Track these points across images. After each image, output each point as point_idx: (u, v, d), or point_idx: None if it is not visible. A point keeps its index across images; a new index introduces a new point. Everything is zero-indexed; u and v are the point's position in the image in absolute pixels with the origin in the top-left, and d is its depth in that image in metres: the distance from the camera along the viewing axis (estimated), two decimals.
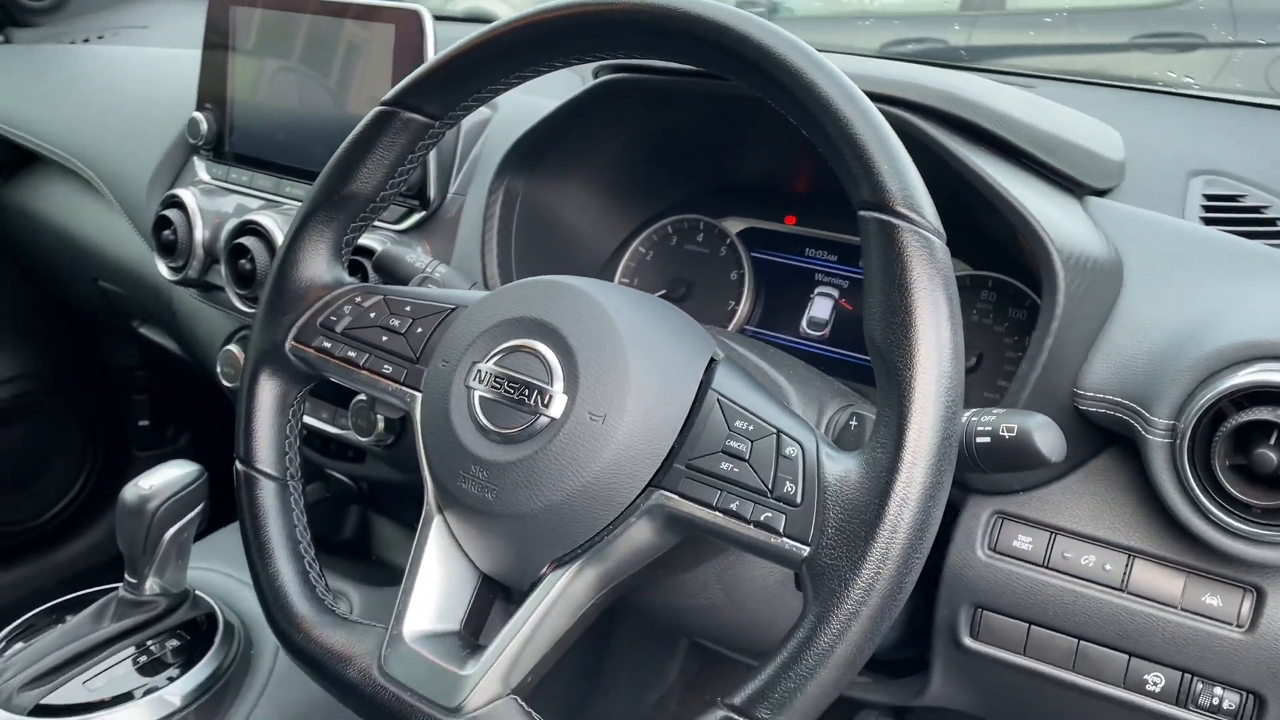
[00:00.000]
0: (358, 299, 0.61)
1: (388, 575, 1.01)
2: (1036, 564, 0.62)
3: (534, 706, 0.51)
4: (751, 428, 0.49)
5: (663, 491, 0.50)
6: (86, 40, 1.29)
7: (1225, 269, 0.61)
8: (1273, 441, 0.52)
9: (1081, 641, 0.61)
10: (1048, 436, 0.50)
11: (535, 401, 0.51)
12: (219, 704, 0.80)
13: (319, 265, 0.62)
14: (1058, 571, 0.62)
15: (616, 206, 0.84)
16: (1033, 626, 0.63)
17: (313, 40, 0.86)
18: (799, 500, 0.46)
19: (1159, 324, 0.58)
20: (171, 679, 0.78)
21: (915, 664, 0.71)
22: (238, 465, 0.61)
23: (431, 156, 0.80)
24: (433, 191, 0.80)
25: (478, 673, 0.51)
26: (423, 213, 0.81)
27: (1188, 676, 0.59)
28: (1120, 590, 0.60)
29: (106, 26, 1.32)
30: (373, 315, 0.60)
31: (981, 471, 0.50)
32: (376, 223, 0.83)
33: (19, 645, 0.79)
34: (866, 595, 0.44)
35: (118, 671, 0.78)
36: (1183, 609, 0.58)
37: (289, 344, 0.61)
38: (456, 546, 0.56)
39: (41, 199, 1.20)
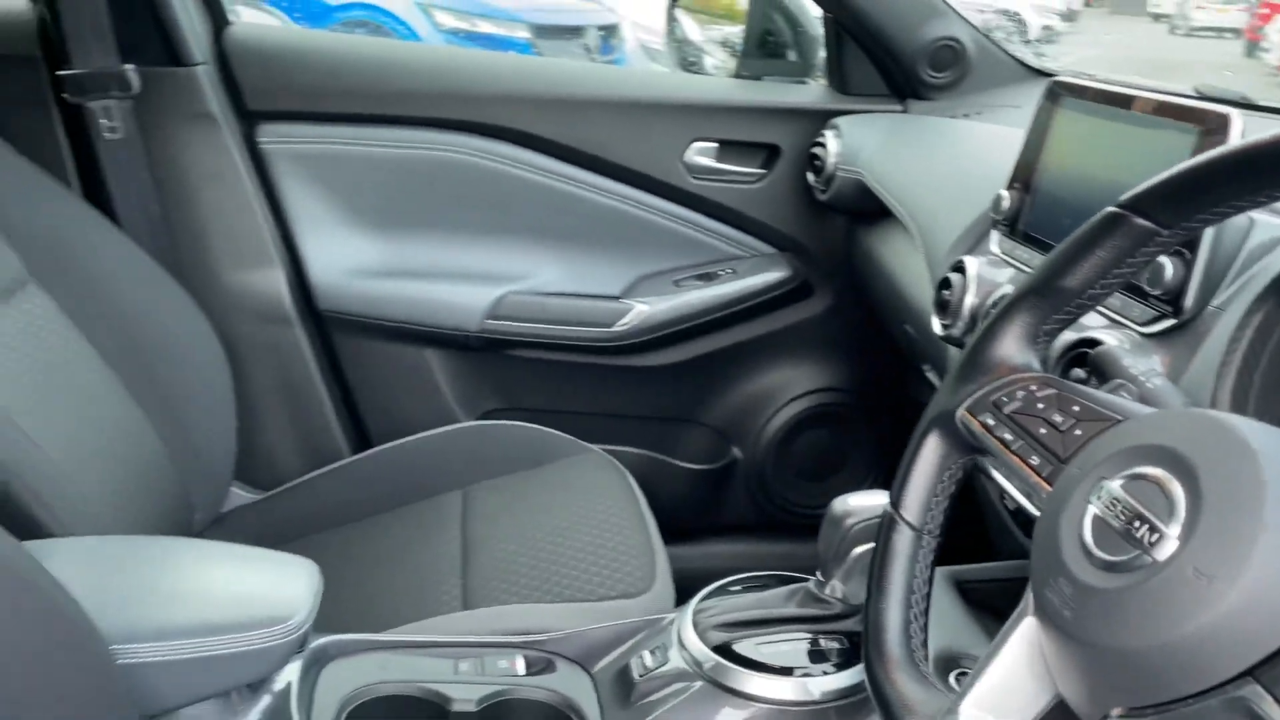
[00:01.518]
0: (1033, 387, 0.62)
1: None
2: None
3: None
4: None
5: (1257, 688, 0.42)
6: (966, 115, 1.45)
7: None
8: None
9: None
10: None
11: (1144, 537, 0.47)
12: (851, 714, 0.88)
13: (1012, 346, 0.65)
14: None
15: None
16: None
17: (1117, 135, 0.86)
18: None
19: None
20: (825, 673, 0.89)
21: None
22: (886, 506, 0.67)
23: (1199, 263, 0.74)
24: (1189, 300, 0.75)
25: None
26: (1173, 320, 0.76)
27: None
28: None
29: (987, 104, 1.46)
30: (1040, 406, 0.61)
31: None
32: (1124, 320, 0.80)
33: (720, 597, 0.97)
34: None
35: (785, 647, 0.91)
36: None
37: (960, 412, 0.65)
38: (1040, 654, 0.54)
39: (883, 244, 1.40)
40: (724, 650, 0.90)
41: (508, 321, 1.54)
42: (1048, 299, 0.63)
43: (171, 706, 0.78)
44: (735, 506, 1.72)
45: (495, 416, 1.60)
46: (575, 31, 6.38)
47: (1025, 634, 0.55)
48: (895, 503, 0.67)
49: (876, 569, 0.66)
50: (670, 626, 0.95)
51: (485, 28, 5.97)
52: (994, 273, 0.97)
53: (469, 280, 1.55)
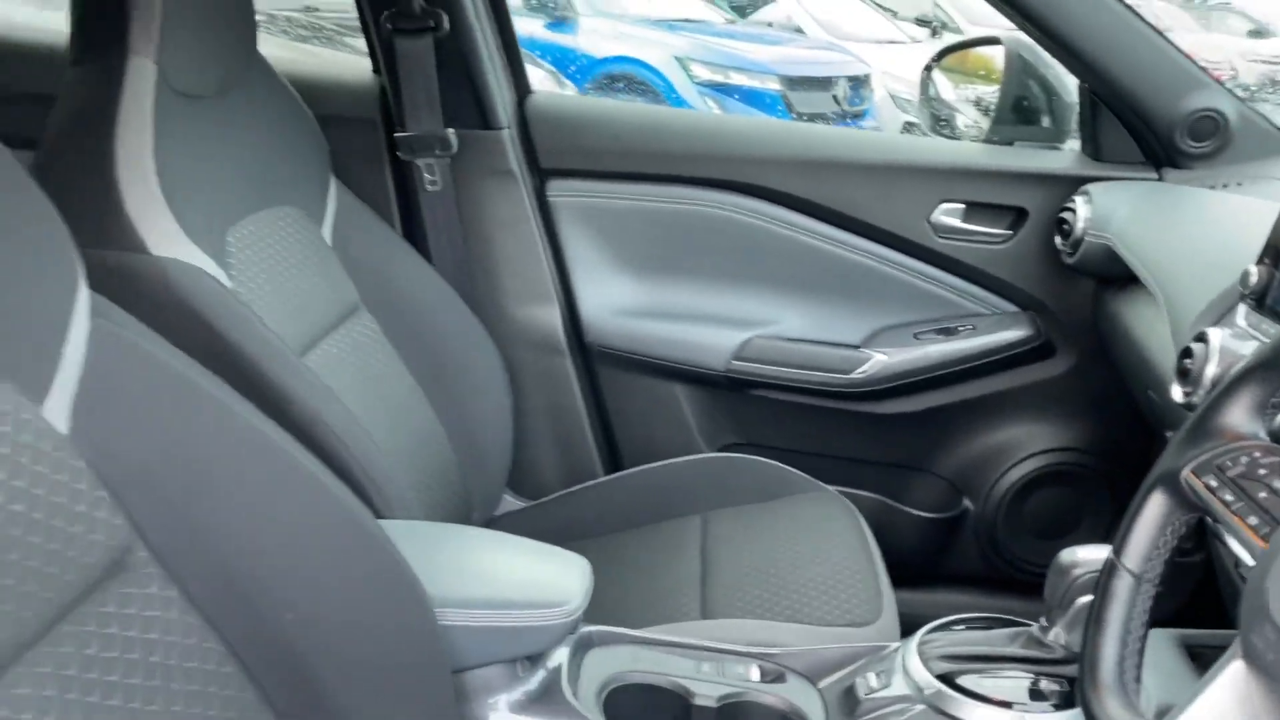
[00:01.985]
0: (1257, 454, 0.67)
1: None
2: None
3: None
4: None
5: None
6: (1224, 186, 1.45)
7: None
8: None
9: None
10: None
11: None
12: None
13: (1240, 414, 0.70)
14: None
15: None
16: None
17: None
18: None
19: None
20: (1044, 712, 0.94)
21: None
22: (1109, 554, 0.74)
23: None
24: None
25: None
26: None
27: None
28: None
29: (1248, 176, 1.45)
30: (1262, 472, 0.66)
31: None
32: None
33: (945, 632, 1.04)
34: None
35: (1006, 683, 0.97)
36: None
37: (1185, 473, 0.71)
38: (1246, 695, 0.60)
39: (1129, 310, 1.42)
40: (946, 679, 0.97)
41: (752, 363, 1.67)
42: (1276, 371, 0.69)
43: (471, 665, 0.95)
44: (963, 557, 1.76)
45: (735, 450, 1.73)
46: (825, 83, 6.50)
47: (1233, 675, 0.60)
48: (1118, 551, 0.73)
49: (1096, 608, 0.73)
50: (896, 654, 1.04)
51: (738, 80, 6.20)
52: (1238, 345, 0.99)
53: (719, 324, 1.68)
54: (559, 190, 1.68)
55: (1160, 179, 1.54)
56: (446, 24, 1.52)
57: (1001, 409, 1.71)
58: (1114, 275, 1.46)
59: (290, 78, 1.42)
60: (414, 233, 1.62)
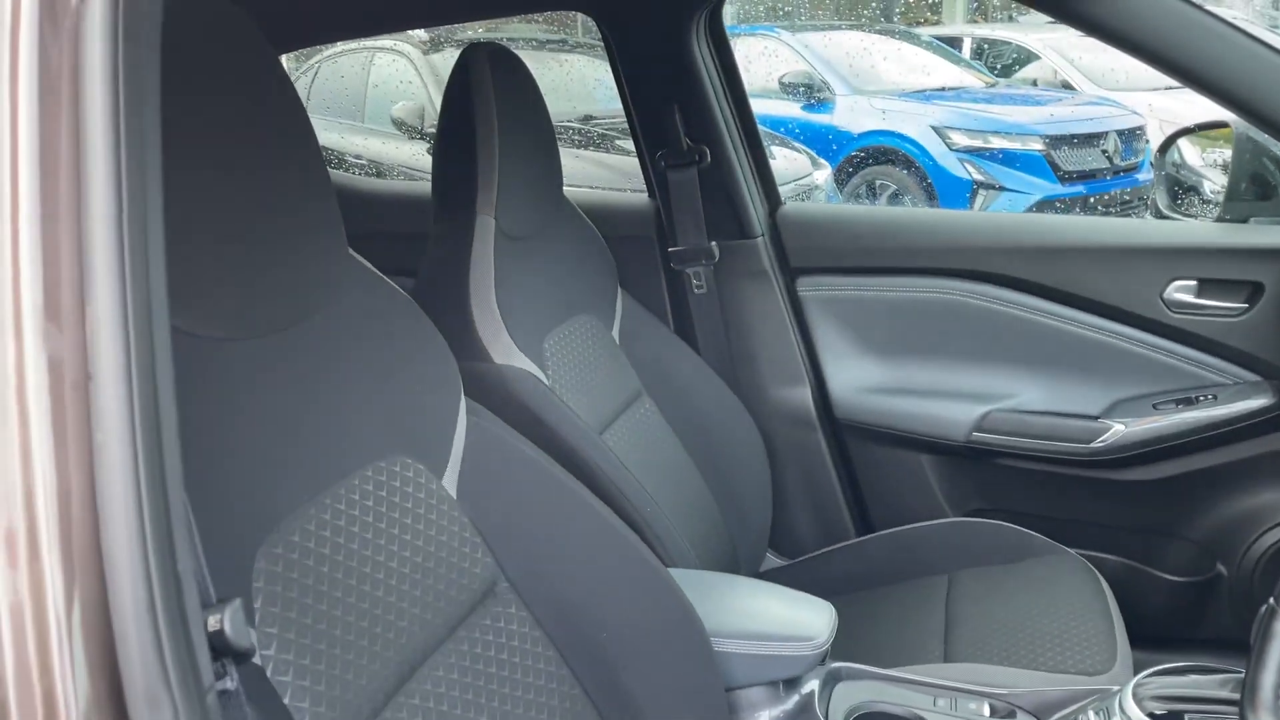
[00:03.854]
0: None
1: None
2: None
3: None
4: None
5: None
6: None
7: None
8: None
9: None
10: None
11: None
12: None
13: None
14: None
15: None
16: None
17: None
18: None
19: None
20: None
21: None
22: (1271, 599, 0.87)
23: None
24: None
25: None
26: None
27: None
28: None
29: None
30: None
31: None
32: None
33: (1165, 675, 1.15)
34: None
35: None
36: None
37: None
38: None
39: None
40: (1156, 718, 1.09)
41: (992, 434, 1.81)
42: None
43: (740, 685, 1.18)
44: (1216, 623, 1.78)
45: (978, 515, 1.87)
46: (1093, 139, 6.35)
47: None
48: (1279, 596, 0.86)
49: (1258, 645, 0.86)
50: (1116, 694, 1.16)
51: (998, 143, 6.20)
52: None
53: (959, 399, 1.85)
54: (807, 286, 1.92)
55: None
56: (709, 157, 1.82)
57: (1255, 475, 1.74)
58: None
59: (585, 207, 1.76)
60: (685, 330, 1.92)
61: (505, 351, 1.40)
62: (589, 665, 1.06)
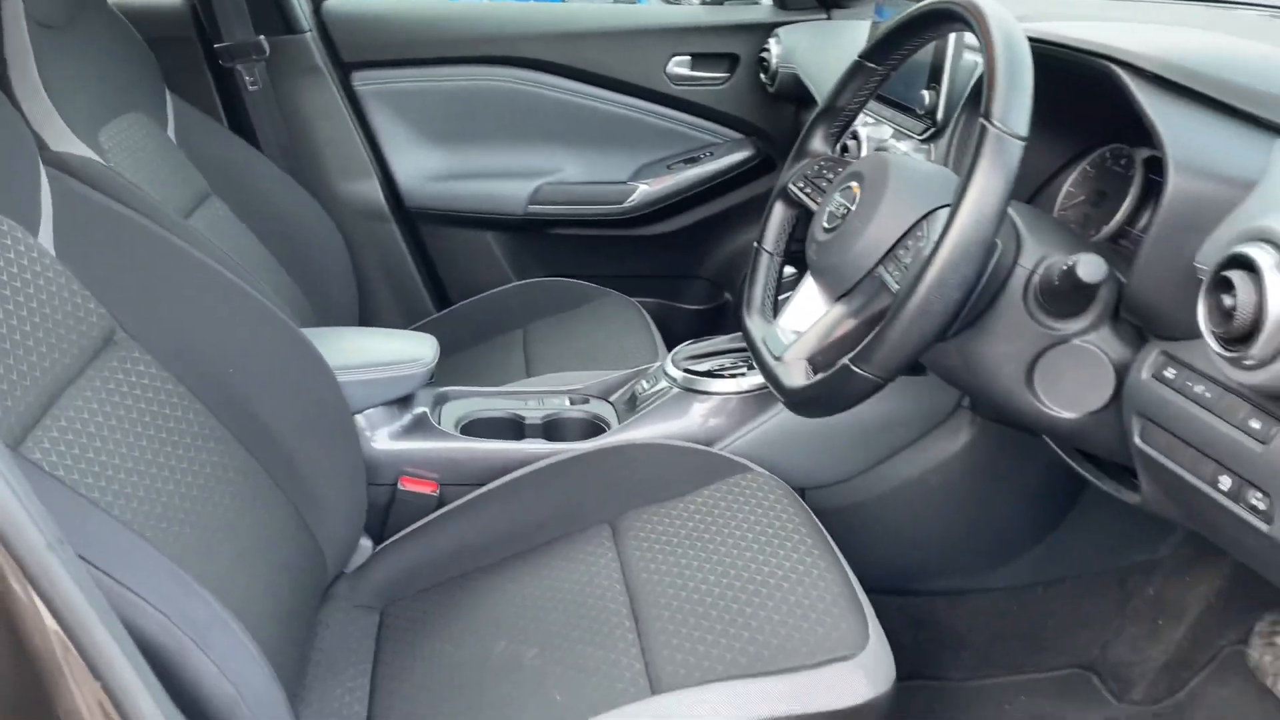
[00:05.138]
0: (822, 162, 1.13)
1: None
2: (1175, 388, 0.85)
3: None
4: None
5: (886, 268, 0.93)
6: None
7: None
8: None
9: (1189, 448, 0.84)
10: (1088, 265, 0.80)
11: (844, 212, 0.98)
12: (763, 401, 1.39)
13: (819, 142, 1.15)
14: (1185, 396, 0.84)
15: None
16: (1172, 436, 0.86)
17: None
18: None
19: (1251, 218, 0.77)
20: (746, 376, 1.40)
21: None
22: (755, 243, 1.18)
23: (943, 91, 1.24)
24: (940, 115, 1.24)
25: (791, 348, 1.02)
26: (933, 129, 1.26)
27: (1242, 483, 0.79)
28: (1214, 414, 0.81)
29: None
30: (819, 167, 1.11)
31: (1049, 307, 0.83)
32: (907, 132, 1.29)
33: (690, 346, 1.49)
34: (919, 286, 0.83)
35: (727, 364, 1.43)
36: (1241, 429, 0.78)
37: (790, 185, 1.16)
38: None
39: None
40: (691, 372, 1.42)
41: (544, 205, 2.07)
42: (831, 114, 1.14)
43: (362, 407, 1.33)
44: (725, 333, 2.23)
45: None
46: None
47: (808, 285, 1.06)
48: (759, 240, 1.18)
49: (749, 273, 1.17)
50: (659, 364, 1.48)
51: None
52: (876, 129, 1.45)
53: (514, 177, 2.07)
54: (363, 80, 2.00)
55: (829, 18, 2.01)
56: None
57: (744, 217, 2.17)
58: (806, 97, 1.92)
59: (118, 7, 1.68)
60: (244, 129, 1.92)
61: (61, 137, 1.35)
62: (221, 400, 1.12)
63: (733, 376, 1.39)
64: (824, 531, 1.15)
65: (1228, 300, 0.74)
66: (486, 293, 1.99)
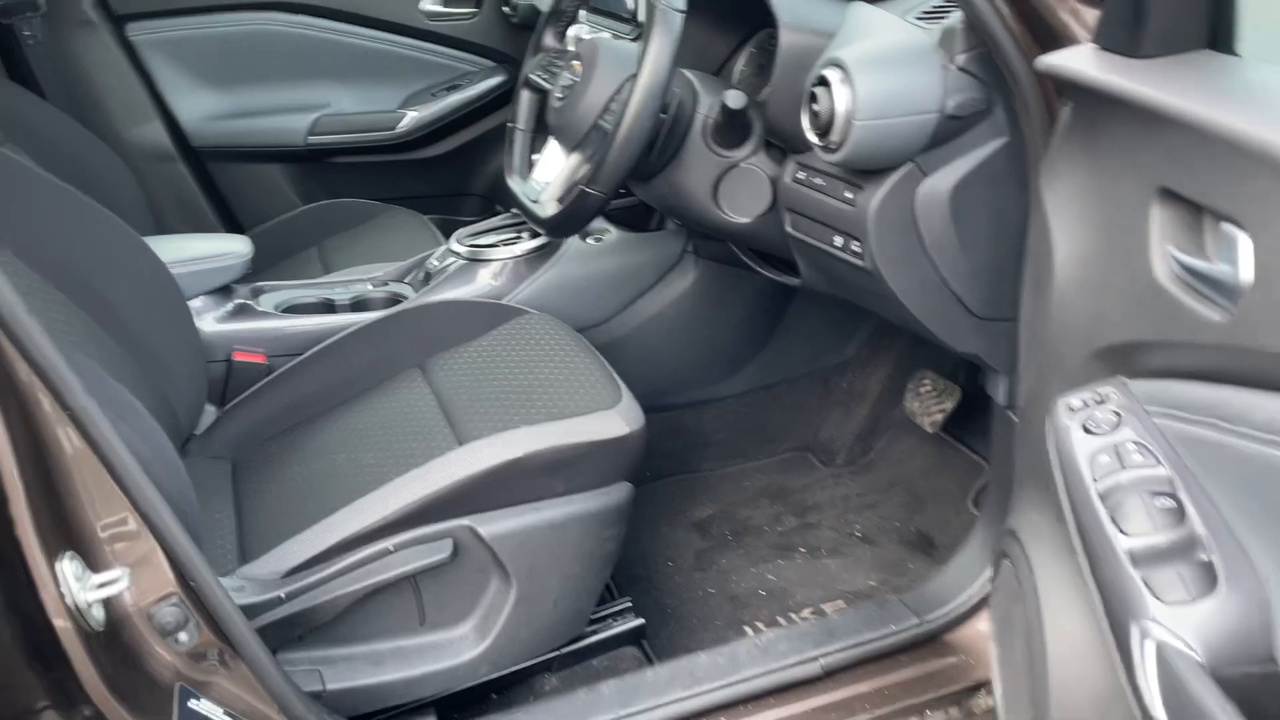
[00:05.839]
0: (562, 59, 1.46)
1: None
2: (804, 184, 1.25)
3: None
4: None
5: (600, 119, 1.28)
6: None
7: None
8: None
9: (816, 223, 1.24)
10: (733, 97, 1.18)
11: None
12: (539, 259, 1.72)
13: (550, 38, 1.48)
14: (809, 188, 1.24)
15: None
16: (807, 219, 1.26)
17: None
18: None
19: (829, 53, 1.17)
20: (527, 240, 1.73)
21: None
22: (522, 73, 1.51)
23: None
24: None
25: (544, 191, 1.35)
26: None
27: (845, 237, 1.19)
28: (824, 194, 1.22)
29: None
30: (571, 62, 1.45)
31: (720, 140, 1.20)
32: None
33: (471, 228, 1.81)
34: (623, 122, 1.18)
35: (509, 237, 1.76)
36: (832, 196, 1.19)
37: (530, 76, 1.49)
38: None
39: None
40: (473, 248, 1.73)
41: (324, 135, 2.30)
42: (557, 16, 1.46)
43: (194, 294, 1.56)
44: None
45: None
46: None
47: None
48: (514, 120, 1.50)
49: (506, 156, 1.49)
50: (445, 247, 1.78)
51: None
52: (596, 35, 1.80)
53: (293, 111, 2.29)
54: (137, 31, 2.16)
55: None
56: None
57: (499, 140, 2.47)
58: None
59: None
60: (25, 80, 2.04)
61: None
62: (88, 301, 1.32)
63: (507, 244, 1.71)
64: (588, 343, 1.50)
65: (816, 108, 1.13)
66: (279, 218, 2.21)
